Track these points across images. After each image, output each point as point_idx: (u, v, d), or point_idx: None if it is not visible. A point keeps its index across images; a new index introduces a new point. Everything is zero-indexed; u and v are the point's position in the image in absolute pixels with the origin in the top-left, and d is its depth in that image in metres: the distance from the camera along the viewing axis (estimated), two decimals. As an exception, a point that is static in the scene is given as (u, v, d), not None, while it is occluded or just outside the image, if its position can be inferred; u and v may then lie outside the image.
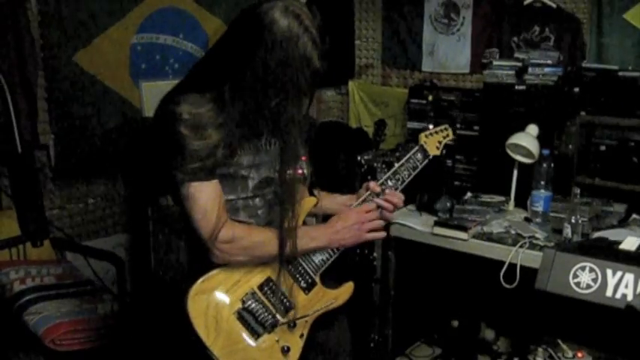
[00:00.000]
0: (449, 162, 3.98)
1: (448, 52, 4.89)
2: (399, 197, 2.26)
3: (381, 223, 2.18)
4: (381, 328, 3.56)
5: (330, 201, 2.33)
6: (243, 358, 2.04)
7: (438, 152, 2.51)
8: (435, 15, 4.90)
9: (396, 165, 2.36)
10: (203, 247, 2.00)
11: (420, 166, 2.40)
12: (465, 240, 2.95)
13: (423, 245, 3.10)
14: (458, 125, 4.34)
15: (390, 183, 2.28)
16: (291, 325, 2.10)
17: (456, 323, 3.66)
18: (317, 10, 1.99)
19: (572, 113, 3.66)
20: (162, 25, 4.32)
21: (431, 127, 2.60)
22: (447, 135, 2.58)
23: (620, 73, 3.62)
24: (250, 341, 2.05)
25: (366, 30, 5.32)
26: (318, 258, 2.16)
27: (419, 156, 2.41)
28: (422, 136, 2.50)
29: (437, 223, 3.04)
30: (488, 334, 3.61)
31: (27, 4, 3.65)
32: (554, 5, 4.22)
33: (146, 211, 3.67)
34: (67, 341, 2.98)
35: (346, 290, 2.22)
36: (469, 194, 3.55)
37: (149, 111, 3.97)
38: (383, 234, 2.21)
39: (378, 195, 2.22)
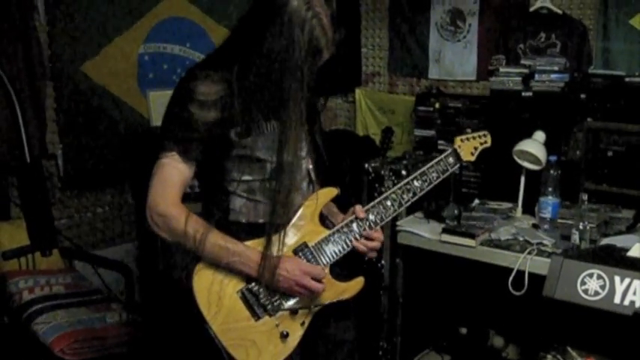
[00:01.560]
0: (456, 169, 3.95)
1: (454, 60, 4.89)
2: (377, 238, 2.18)
3: (319, 288, 2.06)
4: (389, 336, 3.55)
5: (327, 209, 2.30)
6: (241, 337, 2.04)
7: (472, 158, 2.48)
8: (441, 22, 4.90)
9: (425, 166, 2.32)
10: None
11: (451, 170, 2.36)
12: (472, 247, 2.94)
13: (431, 253, 3.09)
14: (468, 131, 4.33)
15: (388, 203, 2.20)
16: (294, 312, 2.09)
17: (464, 330, 3.65)
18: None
19: (579, 119, 3.66)
20: (169, 34, 4.34)
21: (469, 131, 2.55)
22: (485, 142, 2.54)
23: (627, 79, 3.61)
24: (250, 322, 2.04)
25: (373, 38, 5.33)
26: (330, 249, 2.13)
27: (450, 160, 2.37)
28: (457, 139, 2.46)
29: (444, 231, 3.04)
30: (497, 341, 3.60)
31: (35, 15, 3.68)
32: (560, 11, 4.22)
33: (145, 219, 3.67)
34: (76, 350, 2.98)
35: (356, 284, 2.18)
36: (476, 201, 3.55)
37: (157, 120, 3.98)
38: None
39: (361, 220, 2.17)
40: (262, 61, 1.95)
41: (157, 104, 4.02)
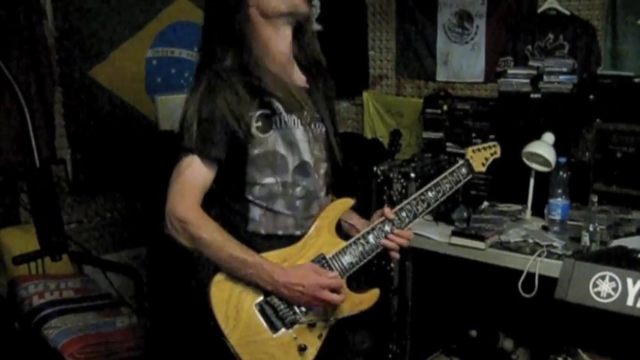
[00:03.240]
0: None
1: (462, 62, 4.88)
2: (407, 236, 2.21)
3: (338, 300, 2.05)
4: (399, 339, 3.55)
5: (346, 217, 2.28)
6: (259, 350, 2.02)
7: (483, 169, 2.48)
8: (449, 24, 4.90)
9: (439, 177, 2.33)
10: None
11: (463, 181, 2.37)
12: (482, 249, 2.94)
13: (441, 255, 3.09)
14: (473, 134, 4.32)
15: (403, 214, 2.22)
16: (311, 325, 2.08)
17: (474, 333, 3.64)
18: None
19: (588, 120, 3.65)
20: (176, 38, 4.35)
21: (479, 142, 2.59)
22: (495, 152, 2.55)
23: (636, 80, 3.60)
24: (268, 335, 2.03)
25: (380, 40, 5.33)
26: (347, 260, 2.12)
27: (463, 170, 2.38)
28: (469, 150, 2.46)
29: (454, 233, 3.03)
30: (507, 344, 3.59)
31: (43, 20, 3.69)
32: (568, 12, 4.21)
33: (164, 224, 3.67)
34: (86, 355, 2.99)
35: (372, 296, 2.18)
36: (486, 203, 3.54)
37: (165, 124, 4.00)
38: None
39: (391, 222, 2.19)
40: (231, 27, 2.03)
41: (164, 108, 4.02)
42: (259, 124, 2.01)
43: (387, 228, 2.19)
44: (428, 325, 3.54)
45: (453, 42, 4.92)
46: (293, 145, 2.07)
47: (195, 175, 2.00)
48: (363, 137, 5.31)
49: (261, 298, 2.03)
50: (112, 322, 3.22)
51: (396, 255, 2.23)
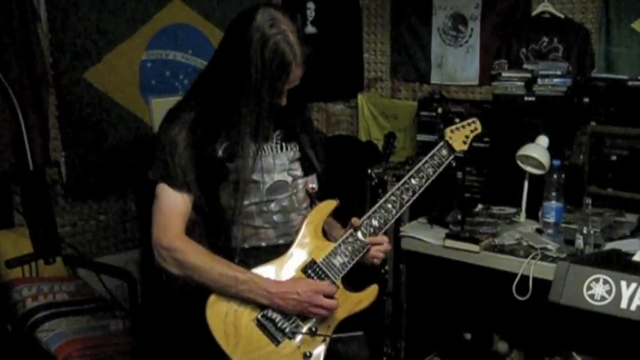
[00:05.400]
0: (459, 174, 3.96)
1: (457, 64, 4.88)
2: (383, 241, 2.20)
3: (333, 305, 2.06)
4: (393, 342, 3.55)
5: (329, 229, 2.30)
6: None
7: (465, 147, 2.46)
8: (443, 27, 4.90)
9: (420, 162, 2.31)
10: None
11: (446, 162, 2.36)
12: (476, 252, 2.94)
13: (435, 258, 3.09)
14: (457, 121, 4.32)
15: (374, 222, 2.19)
16: (313, 331, 2.08)
17: (468, 336, 3.64)
18: (299, 15, 2.06)
19: (582, 123, 3.65)
20: (171, 41, 4.35)
21: (457, 120, 2.54)
22: (475, 129, 2.53)
23: (630, 83, 3.60)
24: (271, 347, 2.03)
25: (375, 43, 5.33)
26: (339, 262, 2.13)
27: (444, 152, 2.37)
28: (447, 131, 2.45)
29: (448, 236, 3.04)
30: (502, 346, 3.59)
31: (37, 22, 3.68)
32: (562, 16, 4.21)
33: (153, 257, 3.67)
34: (79, 358, 2.98)
35: (370, 293, 2.19)
36: (480, 206, 3.54)
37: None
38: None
39: (356, 230, 2.17)
40: (224, 80, 2.01)
41: (159, 111, 4.02)
42: (225, 154, 2.05)
43: (375, 222, 2.19)
44: (422, 328, 3.54)
45: (447, 45, 4.92)
46: (263, 169, 2.10)
47: (170, 204, 2.03)
48: (357, 140, 5.31)
49: (258, 312, 2.04)
50: (106, 325, 3.21)
51: (377, 261, 2.23)
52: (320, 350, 2.09)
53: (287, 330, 2.05)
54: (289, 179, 2.17)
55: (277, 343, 2.04)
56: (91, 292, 3.54)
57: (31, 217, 2.21)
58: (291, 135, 2.21)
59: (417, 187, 2.27)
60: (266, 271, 2.07)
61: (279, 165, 2.15)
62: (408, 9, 5.05)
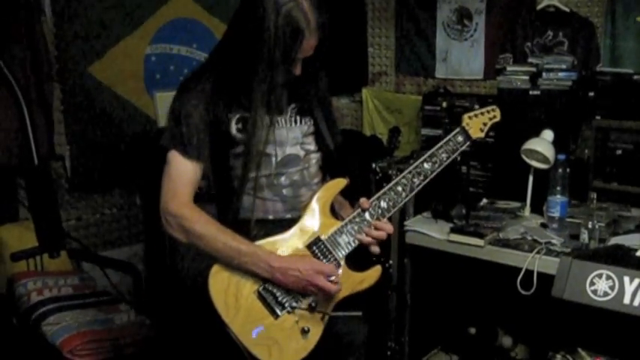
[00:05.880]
0: (464, 168, 3.97)
1: (461, 59, 4.88)
2: (384, 228, 2.16)
3: (332, 289, 2.05)
4: (397, 336, 3.55)
5: (338, 207, 2.30)
6: (262, 336, 2.04)
7: (482, 135, 2.42)
8: (448, 21, 4.89)
9: (434, 147, 2.28)
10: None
11: (460, 149, 2.33)
12: (481, 247, 2.93)
13: (439, 252, 3.08)
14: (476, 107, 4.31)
15: (383, 204, 2.17)
16: (312, 307, 2.08)
17: (473, 330, 3.64)
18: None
19: (588, 118, 3.64)
20: (175, 35, 4.35)
21: (477, 107, 2.50)
22: (495, 116, 2.48)
23: (635, 77, 3.60)
24: (269, 320, 2.05)
25: (379, 37, 5.32)
26: (344, 240, 2.12)
27: (459, 138, 2.33)
28: (465, 117, 2.41)
29: (453, 230, 3.03)
30: (506, 341, 3.59)
31: (42, 17, 3.68)
32: (567, 9, 4.20)
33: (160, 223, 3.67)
34: (84, 352, 2.98)
35: (373, 273, 2.18)
36: (484, 200, 3.53)
37: (164, 121, 3.98)
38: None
39: (364, 210, 2.16)
40: (239, 49, 2.03)
41: (163, 105, 4.01)
42: (239, 125, 2.07)
43: (384, 204, 2.18)
44: (426, 322, 3.53)
45: (452, 39, 4.91)
46: (276, 142, 2.11)
47: (180, 171, 2.05)
48: (362, 134, 5.31)
49: (260, 285, 2.05)
50: (111, 318, 3.21)
51: (375, 249, 2.20)
52: (318, 326, 2.09)
53: (287, 304, 2.06)
54: (301, 153, 2.18)
55: (276, 316, 2.05)
56: (96, 286, 3.55)
57: (36, 211, 2.22)
58: (307, 109, 2.20)
59: (429, 172, 2.24)
60: (271, 244, 2.07)
61: (292, 138, 2.15)
62: (412, 3, 5.05)
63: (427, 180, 2.24)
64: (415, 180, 2.22)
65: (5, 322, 3.35)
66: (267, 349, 2.03)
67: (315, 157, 2.23)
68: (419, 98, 4.92)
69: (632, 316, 2.37)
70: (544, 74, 3.81)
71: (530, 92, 3.84)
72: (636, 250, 2.62)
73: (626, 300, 2.38)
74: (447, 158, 2.29)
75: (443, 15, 4.92)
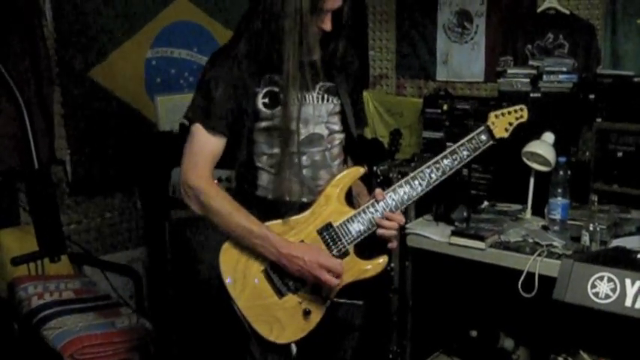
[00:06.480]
0: (465, 171, 3.97)
1: (462, 61, 4.88)
2: (396, 219, 2.17)
3: (333, 284, 2.08)
4: (399, 339, 3.54)
5: (356, 191, 2.31)
6: (265, 313, 2.10)
7: (506, 134, 2.37)
8: (449, 24, 4.89)
9: (456, 144, 2.26)
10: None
11: (482, 148, 2.30)
12: (482, 249, 2.93)
13: (441, 255, 3.08)
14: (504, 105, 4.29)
15: (397, 196, 2.18)
16: (316, 290, 2.12)
17: (474, 333, 3.64)
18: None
19: (588, 120, 3.63)
20: (176, 39, 4.35)
21: (505, 105, 2.41)
22: (521, 116, 2.41)
23: (636, 79, 3.58)
24: (274, 299, 2.11)
25: (380, 40, 5.32)
26: (355, 229, 2.14)
27: (483, 137, 2.30)
28: (491, 115, 2.36)
29: (454, 233, 3.03)
30: (508, 343, 3.58)
31: (43, 21, 3.69)
32: (567, 12, 4.20)
33: (163, 225, 3.68)
34: (86, 356, 2.99)
35: (379, 264, 2.19)
36: (486, 203, 3.53)
37: (164, 125, 4.00)
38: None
39: (378, 201, 2.17)
40: (266, 9, 2.02)
41: (164, 109, 4.02)
42: (266, 100, 2.09)
43: (398, 196, 2.18)
44: (428, 325, 3.53)
45: (452, 41, 4.91)
46: (302, 120, 2.11)
47: (202, 144, 2.08)
48: (363, 137, 5.29)
49: (267, 264, 2.10)
50: (112, 322, 3.21)
51: (393, 245, 2.22)
52: (320, 309, 2.14)
53: (291, 285, 2.11)
54: (325, 132, 2.18)
55: (281, 296, 2.11)
56: (97, 290, 3.55)
57: (37, 215, 2.22)
58: (334, 89, 2.20)
59: (448, 169, 2.22)
60: (283, 225, 2.11)
61: (317, 116, 2.15)
62: (413, 6, 5.04)
63: (445, 176, 2.23)
64: (433, 175, 2.21)
65: (6, 327, 3.35)
66: (269, 326, 2.10)
67: (339, 138, 2.23)
68: (420, 101, 4.91)
69: (633, 319, 2.37)
70: (544, 77, 3.81)
71: (531, 95, 3.83)
72: (637, 252, 2.62)
73: (628, 302, 2.38)
74: (468, 156, 2.27)
75: (443, 18, 4.92)
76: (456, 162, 2.24)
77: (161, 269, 3.84)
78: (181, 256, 3.73)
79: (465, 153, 2.26)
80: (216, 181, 2.13)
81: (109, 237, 4.18)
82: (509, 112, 2.40)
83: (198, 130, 2.08)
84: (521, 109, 2.43)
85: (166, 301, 3.77)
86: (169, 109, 3.95)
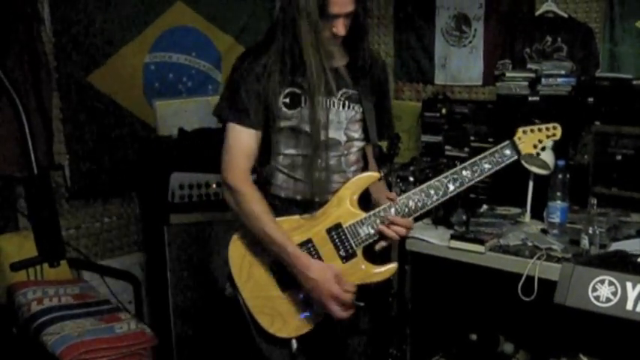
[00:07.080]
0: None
1: (460, 65, 4.88)
2: (404, 224, 2.19)
3: (338, 316, 2.13)
4: (399, 343, 3.54)
5: (374, 193, 2.33)
6: (268, 305, 2.15)
7: (534, 152, 2.29)
8: (447, 28, 4.90)
9: (478, 156, 2.23)
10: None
11: (506, 162, 2.25)
12: (481, 253, 2.93)
13: (440, 259, 3.08)
14: (471, 138, 4.30)
15: (411, 203, 2.19)
16: None
17: (474, 337, 3.64)
18: None
19: (587, 123, 3.64)
20: (174, 44, 4.35)
21: (537, 121, 2.34)
22: (554, 134, 2.34)
23: (634, 82, 3.59)
24: (277, 292, 2.16)
25: (378, 44, 5.32)
26: (364, 231, 2.16)
27: (507, 152, 2.25)
28: (519, 130, 2.30)
29: (453, 237, 3.03)
30: (507, 347, 3.58)
31: (41, 26, 3.68)
32: (565, 15, 4.20)
33: (162, 230, 3.68)
34: (85, 361, 2.98)
35: (387, 270, 2.20)
36: (485, 207, 3.53)
37: (163, 129, 3.99)
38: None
39: (390, 208, 2.18)
40: (284, 14, 2.09)
41: (163, 113, 4.02)
42: (287, 100, 2.13)
43: (412, 203, 2.19)
44: (428, 329, 3.53)
45: (451, 45, 4.91)
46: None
47: (237, 141, 2.14)
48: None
49: (275, 258, 2.15)
50: (111, 327, 3.20)
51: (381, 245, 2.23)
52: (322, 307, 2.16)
53: (295, 280, 2.14)
54: (343, 139, 2.21)
55: (284, 289, 2.16)
56: (96, 295, 3.54)
57: (36, 220, 2.21)
58: (357, 97, 2.23)
59: (467, 180, 2.20)
60: (293, 221, 2.16)
61: (335, 122, 2.18)
62: (411, 10, 5.05)
63: (463, 187, 2.20)
64: (450, 185, 2.20)
65: (5, 332, 3.34)
66: (271, 319, 2.15)
67: (357, 145, 2.27)
68: (418, 105, 4.91)
69: (634, 322, 2.36)
70: (543, 80, 3.81)
71: (530, 98, 3.84)
72: (638, 255, 2.61)
73: (629, 306, 2.37)
74: (489, 170, 2.22)
75: (441, 21, 4.92)
76: (476, 174, 2.21)
77: (160, 274, 3.83)
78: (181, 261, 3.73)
79: (487, 166, 2.22)
80: (254, 176, 2.20)
81: (108, 242, 4.18)
82: (540, 130, 2.32)
83: (233, 128, 2.13)
84: (554, 127, 2.35)
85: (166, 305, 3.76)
86: (168, 114, 3.94)
